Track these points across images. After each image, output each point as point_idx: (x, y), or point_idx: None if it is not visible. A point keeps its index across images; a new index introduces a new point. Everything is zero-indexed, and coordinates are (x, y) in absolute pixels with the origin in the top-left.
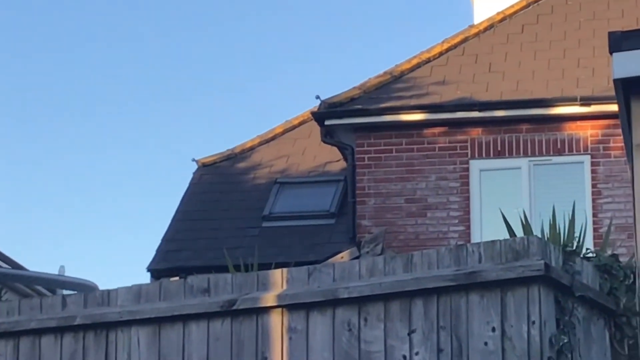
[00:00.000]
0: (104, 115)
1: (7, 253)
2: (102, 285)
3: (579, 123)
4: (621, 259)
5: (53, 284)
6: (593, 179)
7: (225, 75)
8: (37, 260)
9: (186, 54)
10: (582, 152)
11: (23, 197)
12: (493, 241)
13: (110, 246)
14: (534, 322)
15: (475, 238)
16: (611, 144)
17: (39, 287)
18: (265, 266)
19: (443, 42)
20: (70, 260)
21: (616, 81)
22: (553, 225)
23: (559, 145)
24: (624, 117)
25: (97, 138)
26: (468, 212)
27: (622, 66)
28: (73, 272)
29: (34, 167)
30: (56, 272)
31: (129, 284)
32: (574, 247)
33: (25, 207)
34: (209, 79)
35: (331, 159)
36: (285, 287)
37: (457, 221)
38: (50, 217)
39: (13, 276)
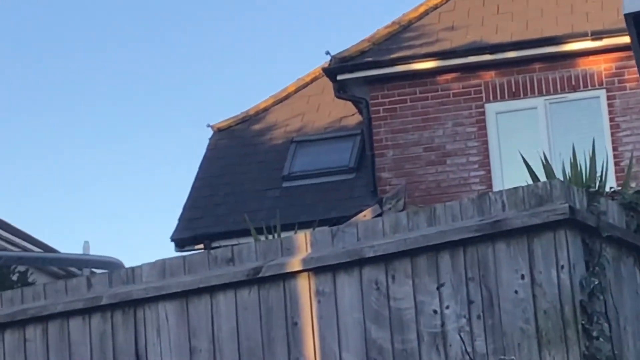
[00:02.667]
0: (118, 90)
1: (33, 233)
2: (127, 259)
3: (591, 58)
4: None
5: (78, 263)
6: (610, 112)
7: (234, 38)
8: (61, 237)
9: (193, 19)
10: (597, 86)
11: (44, 174)
12: (515, 188)
13: (133, 219)
14: (562, 267)
15: (497, 181)
16: (626, 76)
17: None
18: (288, 227)
19: None
20: (95, 235)
21: (627, 16)
22: (574, 165)
23: (573, 82)
24: (637, 50)
25: (112, 111)
26: (487, 156)
27: (633, 0)
28: (97, 247)
29: (52, 145)
30: (81, 249)
31: (154, 257)
32: (597, 187)
33: (46, 184)
34: (218, 43)
35: (346, 113)
36: (309, 250)
37: (477, 166)
38: (72, 193)
39: (39, 259)
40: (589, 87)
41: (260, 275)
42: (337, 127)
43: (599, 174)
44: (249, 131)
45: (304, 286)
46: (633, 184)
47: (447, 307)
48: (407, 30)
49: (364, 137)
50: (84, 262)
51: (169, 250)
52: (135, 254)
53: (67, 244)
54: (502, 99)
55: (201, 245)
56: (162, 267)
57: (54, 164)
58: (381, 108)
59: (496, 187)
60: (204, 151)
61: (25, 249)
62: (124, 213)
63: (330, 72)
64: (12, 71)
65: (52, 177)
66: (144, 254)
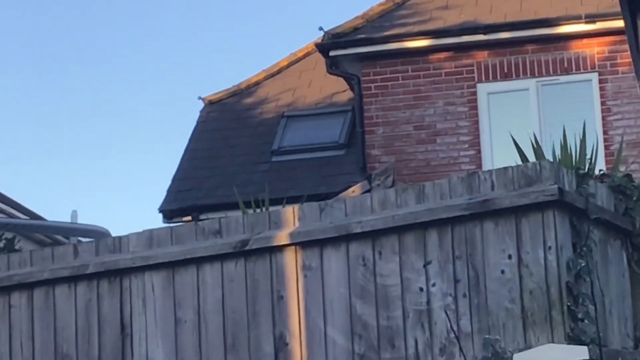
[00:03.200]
0: (109, 58)
1: (20, 201)
2: (116, 230)
3: (584, 41)
4: (634, 176)
5: (65, 232)
6: (602, 96)
7: (227, 11)
8: (49, 206)
9: None
10: (589, 70)
11: (34, 144)
12: (505, 168)
13: (122, 189)
14: (550, 248)
15: (487, 162)
16: (618, 60)
17: (54, 235)
18: (277, 201)
19: None
20: (83, 205)
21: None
22: (564, 147)
23: (565, 64)
24: (631, 34)
25: (104, 82)
26: (478, 136)
27: None
28: (85, 217)
29: (43, 113)
30: (69, 218)
31: (142, 228)
32: (587, 169)
33: (36, 153)
34: (211, 16)
35: (337, 89)
36: (297, 224)
37: (467, 146)
38: (61, 162)
39: (24, 226)
40: (582, 70)
41: (247, 248)
42: (328, 103)
43: (588, 156)
44: (240, 104)
45: (291, 260)
46: (622, 168)
47: (434, 285)
48: (401, 8)
49: (355, 113)
50: (71, 231)
51: (157, 222)
52: (124, 225)
53: (55, 214)
54: (494, 79)
55: (189, 217)
56: (149, 237)
57: (44, 133)
58: (373, 85)
59: (486, 167)
60: (194, 123)
61: (12, 217)
62: (113, 184)
63: (322, 47)
64: (8, 28)
65: (42, 146)
66: (132, 225)
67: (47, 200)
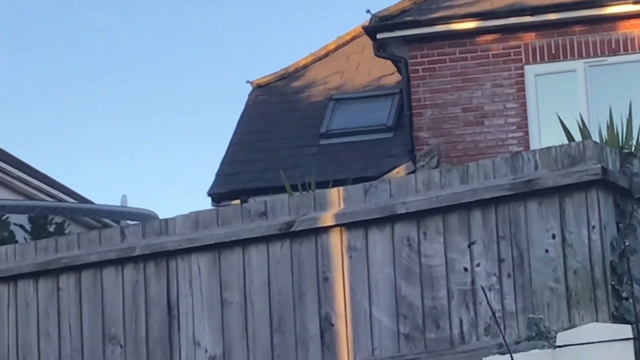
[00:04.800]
0: (159, 42)
1: (70, 186)
2: (165, 214)
3: (632, 21)
4: None
5: (114, 215)
6: None
7: None
8: (99, 191)
9: None
10: (637, 50)
11: (84, 129)
12: (548, 148)
13: (171, 174)
14: (594, 227)
15: (534, 143)
16: None
17: (102, 219)
18: (324, 184)
19: None
20: (133, 190)
21: None
22: (610, 127)
23: (613, 45)
24: None
25: (153, 67)
26: (525, 118)
27: None
28: (135, 201)
29: (92, 98)
30: (119, 202)
31: (189, 211)
32: (632, 149)
33: (86, 138)
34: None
35: (385, 72)
36: (342, 205)
37: (514, 127)
38: (111, 147)
39: (74, 209)
40: (629, 51)
41: (293, 229)
42: (376, 86)
43: (634, 136)
44: (288, 88)
45: (336, 241)
46: None
47: (478, 265)
48: None
49: (403, 96)
50: (119, 214)
51: (207, 206)
52: (174, 210)
53: (105, 199)
54: (542, 61)
55: (237, 201)
56: (195, 219)
57: (95, 118)
58: (420, 67)
59: (533, 148)
60: (242, 107)
61: (60, 201)
62: (162, 168)
63: (370, 30)
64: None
65: (92, 131)
66: (182, 209)
67: (97, 185)
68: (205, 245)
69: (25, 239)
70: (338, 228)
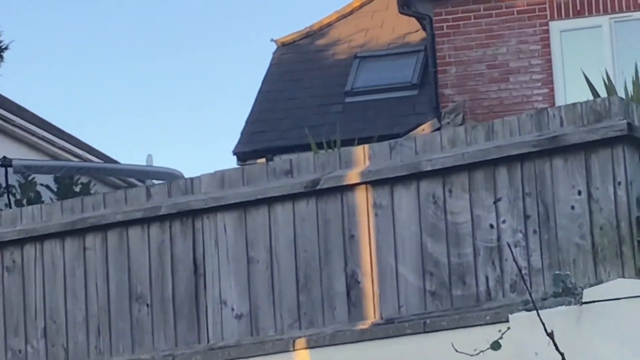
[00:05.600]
0: (182, 3)
1: (96, 146)
2: (191, 174)
3: None
4: None
5: (139, 174)
6: None
7: None
8: (125, 151)
9: None
10: None
11: (109, 89)
12: (574, 104)
13: (197, 133)
14: (619, 183)
15: (559, 100)
16: None
17: (128, 178)
18: (349, 142)
19: None
20: (158, 149)
21: None
22: (636, 83)
23: (639, 0)
24: None
25: (177, 25)
26: (550, 75)
27: None
28: (161, 161)
29: (119, 58)
30: (144, 162)
31: (215, 170)
32: None
33: (112, 99)
34: None
35: (410, 29)
36: (367, 163)
37: (540, 84)
38: (137, 107)
39: (99, 169)
40: None
41: (318, 187)
42: (400, 44)
43: None
44: (312, 46)
45: (362, 199)
46: None
47: (504, 222)
48: None
49: (427, 53)
50: (144, 174)
51: (232, 165)
52: (199, 169)
53: (131, 159)
54: (567, 17)
55: (263, 160)
56: (220, 178)
57: (120, 79)
58: (445, 25)
59: (559, 105)
60: (267, 66)
61: (86, 161)
62: (187, 127)
63: None
64: None
65: (117, 92)
66: (208, 168)
67: (123, 145)
68: (231, 204)
69: (51, 199)
70: (364, 186)
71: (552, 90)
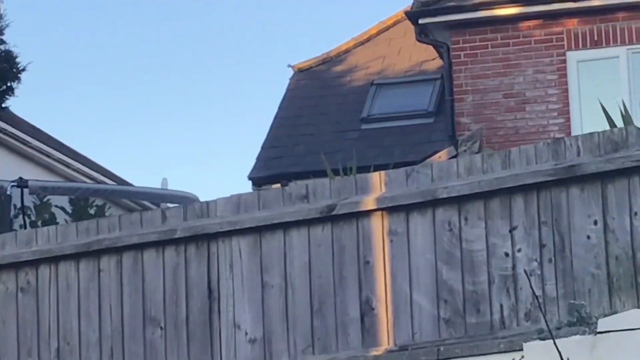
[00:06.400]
0: (201, 27)
1: (111, 169)
2: (206, 198)
3: None
4: None
5: (154, 197)
6: None
7: None
8: (140, 175)
9: None
10: None
11: (125, 112)
12: (591, 133)
13: (212, 157)
14: (636, 214)
15: (576, 130)
16: None
17: (143, 201)
18: (365, 169)
19: None
20: (173, 174)
21: None
22: None
23: None
24: None
25: (194, 49)
26: (567, 104)
27: None
28: (176, 185)
29: (133, 81)
30: (159, 185)
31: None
32: None
33: (127, 121)
34: None
35: (427, 57)
36: (383, 189)
37: (556, 114)
38: (152, 131)
39: (115, 192)
40: None
41: (334, 213)
42: (417, 71)
43: None
44: (329, 72)
45: (377, 225)
46: None
47: (519, 250)
48: None
49: (444, 81)
50: (160, 197)
51: (247, 190)
52: (214, 193)
53: (146, 182)
54: (584, 47)
55: (278, 185)
56: (236, 202)
57: (135, 101)
58: (462, 53)
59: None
60: (284, 91)
61: (101, 183)
62: (202, 152)
63: (412, 15)
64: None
65: (133, 115)
66: (222, 193)
67: (138, 169)
68: (246, 228)
69: (66, 220)
70: (379, 212)
71: (568, 120)
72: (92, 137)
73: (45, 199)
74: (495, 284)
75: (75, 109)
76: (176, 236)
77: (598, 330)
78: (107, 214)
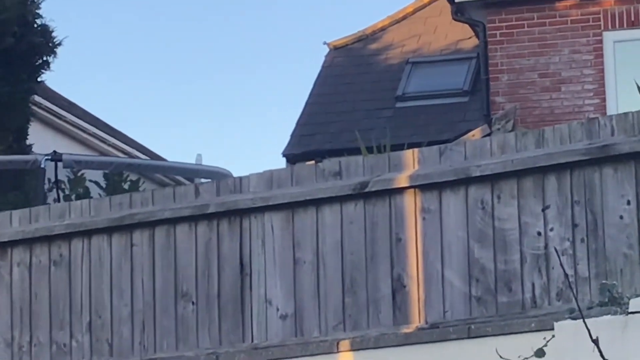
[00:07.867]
0: (236, 4)
1: (146, 144)
2: (241, 174)
3: None
4: None
5: (188, 173)
6: None
7: None
8: (175, 150)
9: None
10: None
11: (161, 89)
12: (625, 113)
13: (247, 133)
14: None
15: (611, 110)
16: None
17: (176, 177)
18: (399, 147)
19: None
20: (208, 150)
21: None
22: None
23: None
24: None
25: (229, 27)
26: (603, 85)
27: None
28: (210, 161)
29: (170, 59)
30: (193, 161)
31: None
32: None
33: (163, 97)
34: None
35: (463, 36)
36: (416, 167)
37: (592, 94)
38: (188, 107)
39: (148, 166)
40: None
41: (367, 190)
42: (453, 50)
43: None
44: (365, 50)
45: (410, 203)
46: None
47: (552, 229)
48: None
49: (480, 60)
50: (193, 172)
51: (281, 166)
52: (248, 170)
53: (181, 158)
54: (621, 27)
55: (312, 162)
56: (269, 177)
57: (172, 78)
58: (498, 32)
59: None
60: (319, 68)
61: (135, 158)
62: (237, 128)
63: None
64: None
65: (168, 89)
66: (256, 169)
67: (172, 144)
68: (278, 204)
69: (99, 195)
70: (412, 189)
71: (603, 100)
72: (128, 114)
73: (79, 173)
74: (527, 263)
75: (112, 85)
76: (209, 211)
77: (630, 310)
78: (140, 189)
